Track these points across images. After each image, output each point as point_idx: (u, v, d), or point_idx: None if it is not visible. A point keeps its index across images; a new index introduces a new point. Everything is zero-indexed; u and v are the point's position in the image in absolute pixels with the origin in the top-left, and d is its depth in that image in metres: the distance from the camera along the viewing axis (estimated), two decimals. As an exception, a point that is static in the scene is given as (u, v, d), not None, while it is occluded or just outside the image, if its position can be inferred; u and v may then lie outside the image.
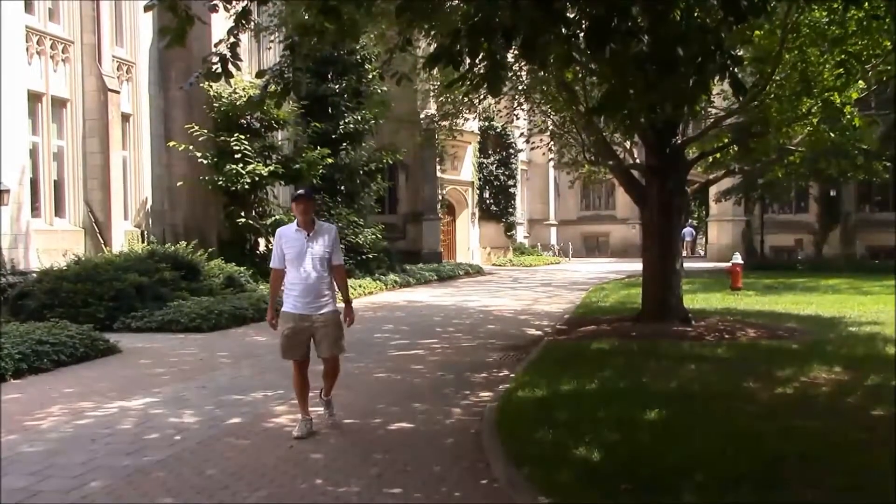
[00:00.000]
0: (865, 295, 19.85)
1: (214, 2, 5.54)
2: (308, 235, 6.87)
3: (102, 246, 18.43)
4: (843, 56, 11.96)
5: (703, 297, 19.29)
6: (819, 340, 11.89)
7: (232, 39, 5.29)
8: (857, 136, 14.82)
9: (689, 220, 49.93)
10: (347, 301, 7.20)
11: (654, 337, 11.88)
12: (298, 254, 6.84)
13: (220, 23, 9.62)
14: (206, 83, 5.17)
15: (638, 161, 16.11)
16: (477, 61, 4.50)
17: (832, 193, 36.33)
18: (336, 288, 7.10)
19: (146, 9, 5.61)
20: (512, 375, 9.54)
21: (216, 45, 5.29)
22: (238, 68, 5.45)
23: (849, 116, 13.09)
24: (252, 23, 5.78)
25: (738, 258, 22.90)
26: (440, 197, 34.41)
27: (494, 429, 6.84)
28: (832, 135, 14.04)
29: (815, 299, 18.90)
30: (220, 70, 5.24)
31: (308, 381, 7.11)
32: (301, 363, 7.06)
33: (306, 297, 6.84)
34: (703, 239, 50.75)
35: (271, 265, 7.13)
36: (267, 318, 7.25)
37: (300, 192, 7.11)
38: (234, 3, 5.53)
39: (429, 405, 8.26)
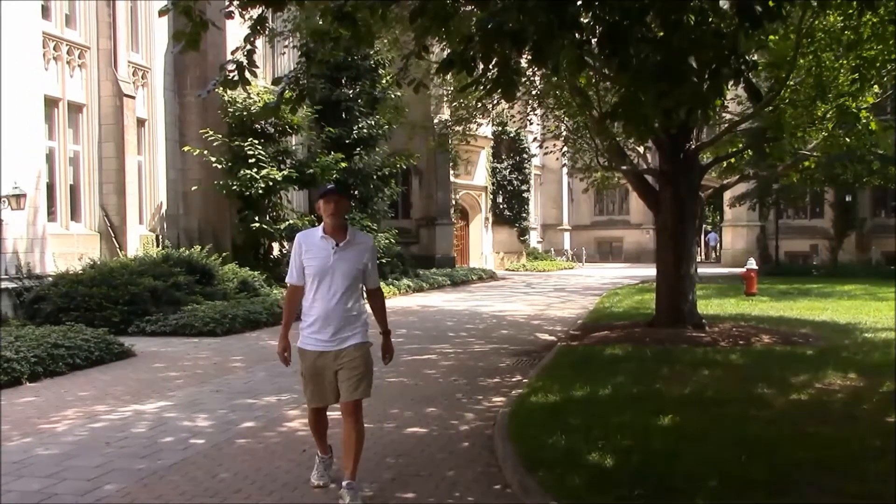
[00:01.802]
0: (881, 301, 19.73)
1: (230, 8, 5.57)
2: (337, 245, 5.27)
3: (117, 250, 18.54)
4: (857, 61, 11.93)
5: (717, 302, 19.24)
6: (834, 346, 11.83)
7: (248, 47, 5.31)
8: (873, 140, 14.74)
9: (709, 226, 49.79)
10: (386, 332, 5.57)
11: (667, 342, 11.85)
12: (322, 268, 5.25)
13: (236, 29, 9.68)
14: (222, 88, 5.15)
15: (651, 166, 16.08)
16: (490, 66, 4.51)
17: (848, 199, 36.18)
18: (367, 314, 5.53)
19: (161, 13, 5.64)
20: (525, 380, 9.53)
21: (233, 53, 5.32)
22: (255, 75, 5.46)
23: (864, 121, 13.04)
24: (267, 28, 5.79)
25: (752, 263, 22.80)
26: (453, 202, 34.46)
27: (507, 434, 6.82)
28: (847, 140, 13.98)
29: (831, 305, 18.80)
30: (236, 77, 5.27)
31: (327, 420, 5.68)
32: (320, 411, 5.60)
33: (327, 327, 5.26)
34: (718, 244, 50.66)
35: (287, 279, 5.53)
36: (278, 348, 5.54)
37: (331, 187, 5.50)
38: (249, 9, 5.56)
39: (442, 410, 8.27)
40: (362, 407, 5.39)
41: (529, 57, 4.42)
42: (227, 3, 5.61)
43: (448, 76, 10.50)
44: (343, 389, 5.29)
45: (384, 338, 5.55)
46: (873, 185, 30.72)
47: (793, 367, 9.86)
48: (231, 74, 5.31)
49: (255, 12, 5.63)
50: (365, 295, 5.56)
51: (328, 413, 5.70)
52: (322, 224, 5.39)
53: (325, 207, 5.29)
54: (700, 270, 16.80)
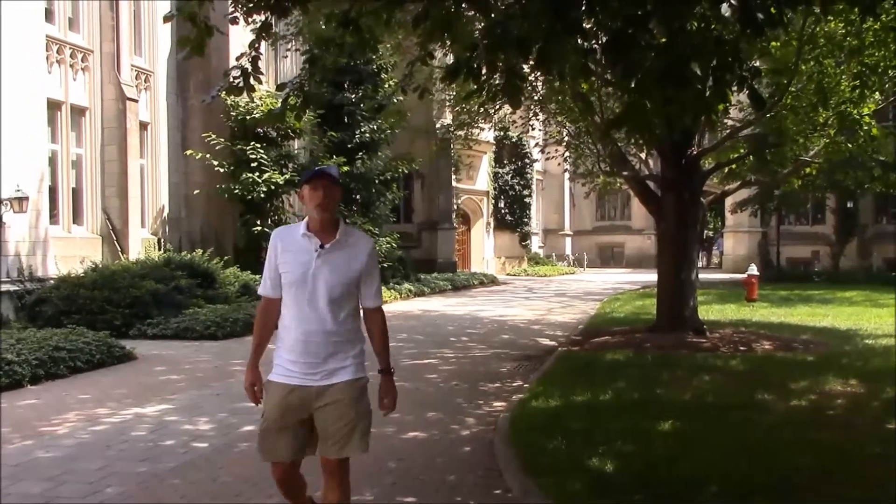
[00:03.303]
0: (882, 307, 19.70)
1: (234, 14, 5.59)
2: (321, 247, 3.94)
3: (119, 253, 18.55)
4: (859, 68, 11.94)
5: (718, 308, 19.23)
6: (834, 353, 11.83)
7: (253, 53, 5.33)
8: (875, 147, 14.75)
9: (710, 231, 49.76)
10: (387, 370, 4.12)
11: (668, 348, 11.85)
12: (301, 275, 3.93)
13: (239, 33, 9.69)
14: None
15: (653, 172, 16.10)
16: (496, 74, 4.52)
17: (849, 205, 36.16)
18: (364, 341, 4.12)
19: (165, 19, 5.66)
20: (525, 385, 9.54)
21: (238, 59, 5.33)
22: (259, 82, 5.48)
23: (866, 128, 13.05)
24: (271, 33, 5.81)
25: (753, 269, 22.80)
26: (455, 206, 34.46)
27: (508, 438, 6.84)
28: (849, 146, 13.99)
29: (831, 311, 18.79)
30: (241, 84, 5.28)
31: (303, 479, 4.27)
32: (286, 469, 4.09)
33: (308, 354, 3.93)
34: (713, 249, 50.74)
35: (260, 290, 4.19)
36: (245, 381, 4.21)
37: (318, 169, 4.09)
38: (253, 15, 5.58)
39: (442, 414, 8.27)
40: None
41: (534, 63, 4.43)
42: (231, 8, 5.63)
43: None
44: (325, 441, 3.96)
45: (384, 377, 4.11)
46: (875, 191, 30.73)
47: (793, 374, 9.87)
48: (236, 81, 5.32)
49: (260, 18, 5.65)
50: (362, 315, 4.15)
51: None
52: (306, 218, 4.06)
53: (310, 196, 3.98)
54: (701, 276, 16.80)
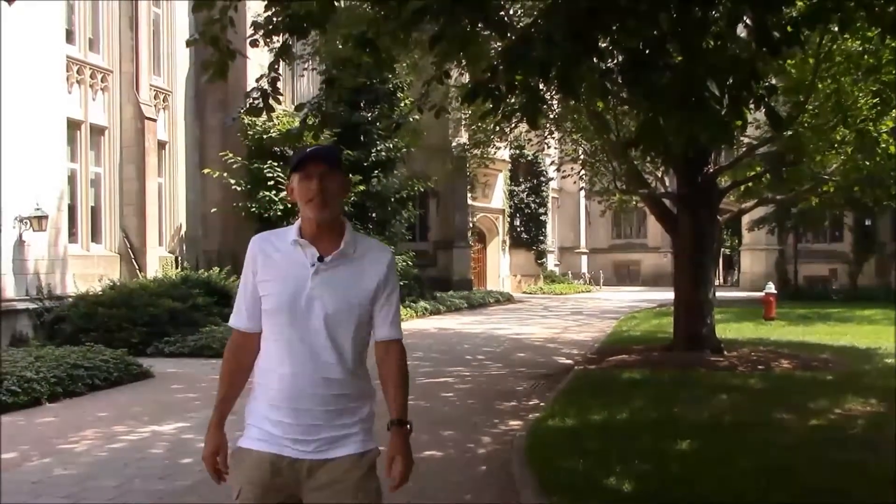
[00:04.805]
0: (902, 326, 19.55)
1: (254, 37, 5.65)
2: (321, 260, 2.79)
3: (137, 271, 18.66)
4: (877, 85, 11.90)
5: (735, 326, 19.11)
6: (854, 372, 11.73)
7: (272, 74, 5.39)
8: (893, 165, 14.68)
9: (727, 250, 49.47)
10: (401, 422, 2.97)
11: (685, 367, 11.78)
12: (291, 300, 2.78)
13: (256, 52, 9.78)
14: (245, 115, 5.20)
15: (669, 190, 16.07)
16: (515, 94, 4.53)
17: (867, 223, 35.89)
18: (375, 395, 3.01)
19: (188, 44, 5.74)
20: (542, 404, 9.51)
21: (258, 80, 5.39)
22: (279, 102, 5.53)
23: (884, 145, 12.99)
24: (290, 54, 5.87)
25: (771, 287, 22.65)
26: (471, 224, 34.47)
27: (524, 457, 6.81)
28: (867, 163, 13.92)
29: (850, 330, 18.65)
30: (261, 105, 5.33)
31: None
32: None
33: (300, 414, 2.80)
34: (737, 268, 50.39)
35: (231, 321, 3.02)
36: (204, 449, 3.07)
37: (310, 150, 2.85)
38: (273, 38, 5.64)
39: (458, 433, 8.25)
40: None
41: (555, 86, 4.45)
42: (250, 31, 5.69)
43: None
44: None
45: (394, 431, 2.94)
46: (893, 208, 30.53)
47: (812, 393, 9.79)
48: (255, 102, 5.37)
49: (279, 39, 5.70)
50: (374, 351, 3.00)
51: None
52: (297, 221, 2.89)
53: (300, 189, 2.80)
54: (718, 294, 16.72)
